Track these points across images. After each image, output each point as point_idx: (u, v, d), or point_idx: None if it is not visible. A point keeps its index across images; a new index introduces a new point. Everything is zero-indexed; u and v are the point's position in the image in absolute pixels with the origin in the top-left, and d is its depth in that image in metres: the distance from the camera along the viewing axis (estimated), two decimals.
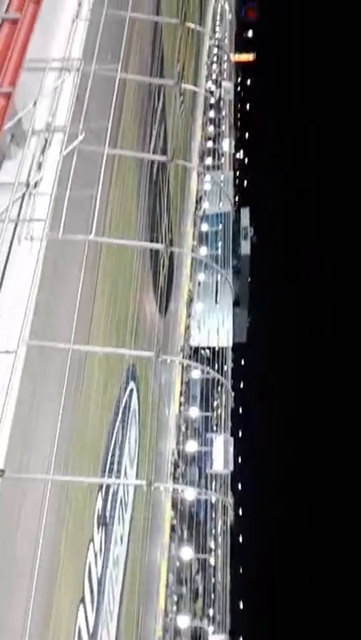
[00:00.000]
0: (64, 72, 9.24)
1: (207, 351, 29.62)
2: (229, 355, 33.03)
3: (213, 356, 30.21)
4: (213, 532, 24.76)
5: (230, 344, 31.28)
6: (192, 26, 16.89)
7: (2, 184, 7.46)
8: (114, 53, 11.79)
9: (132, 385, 15.72)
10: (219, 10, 28.08)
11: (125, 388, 14.97)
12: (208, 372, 19.88)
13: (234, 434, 26.57)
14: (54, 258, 8.35)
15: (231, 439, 22.96)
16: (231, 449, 22.53)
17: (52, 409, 8.65)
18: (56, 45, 9.95)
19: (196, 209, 28.64)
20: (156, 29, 16.22)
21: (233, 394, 31.04)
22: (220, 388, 25.05)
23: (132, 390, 15.69)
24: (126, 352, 11.14)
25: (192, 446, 22.72)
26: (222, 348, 28.55)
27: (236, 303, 39.48)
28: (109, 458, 12.95)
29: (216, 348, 29.25)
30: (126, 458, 14.16)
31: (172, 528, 22.04)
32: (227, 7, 28.52)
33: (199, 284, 28.71)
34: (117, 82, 11.07)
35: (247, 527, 46.14)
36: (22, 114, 7.96)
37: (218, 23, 28.49)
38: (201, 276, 28.50)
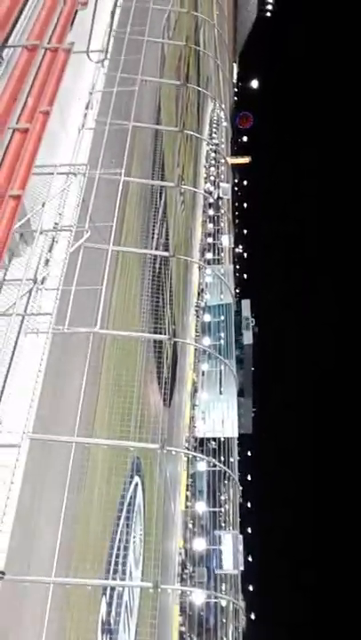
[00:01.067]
0: (71, 176, 9.80)
1: (213, 442, 29.06)
2: (235, 446, 32.34)
3: (219, 448, 29.57)
4: (224, 639, 23.10)
5: (236, 435, 30.73)
6: (190, 133, 18.01)
7: (10, 280, 7.72)
8: (117, 158, 12.55)
9: (136, 479, 15.31)
10: (215, 118, 30.07)
11: (130, 483, 14.57)
12: (214, 465, 19.40)
13: (243, 530, 25.43)
14: (59, 350, 8.47)
15: (240, 537, 21.95)
16: (241, 547, 21.48)
17: (54, 506, 8.39)
18: (63, 151, 10.64)
19: (198, 301, 29.21)
20: (156, 136, 17.33)
21: (241, 487, 30.00)
22: (227, 481, 24.30)
23: (136, 484, 15.26)
24: (130, 444, 10.95)
25: (200, 545, 21.68)
26: (228, 439, 28.02)
27: (240, 393, 39.23)
28: (114, 558, 12.37)
29: (222, 439, 28.70)
30: (131, 557, 13.51)
31: (181, 635, 20.59)
32: (222, 115, 30.56)
33: (203, 374, 28.68)
34: (121, 184, 11.71)
35: (260, 633, 43.08)
36: (31, 214, 8.37)
37: (215, 130, 30.41)
38: (205, 367, 28.52)
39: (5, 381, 6.83)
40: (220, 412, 29.64)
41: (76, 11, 11.66)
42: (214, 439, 28.93)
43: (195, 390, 27.99)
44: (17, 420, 7.04)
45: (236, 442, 33.83)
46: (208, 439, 27.80)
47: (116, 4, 13.44)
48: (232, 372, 28.06)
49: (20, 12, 8.28)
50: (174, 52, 19.16)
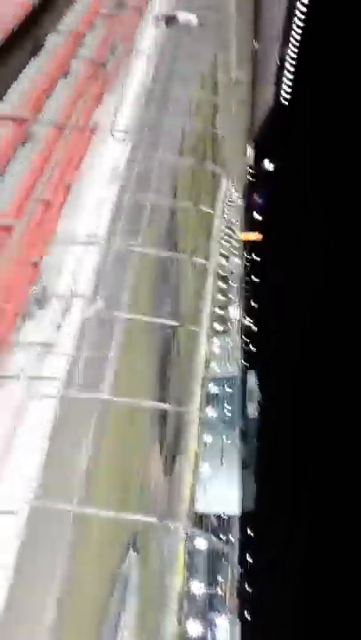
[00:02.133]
0: (88, 245, 10.15)
1: (213, 518, 28.22)
2: (236, 523, 31.35)
3: (219, 524, 28.69)
4: None
5: (237, 511, 29.89)
6: (205, 209, 18.67)
7: (22, 343, 7.84)
8: (133, 230, 13.00)
9: (132, 553, 14.82)
10: (229, 195, 31.19)
11: (126, 556, 14.10)
12: (213, 542, 18.80)
13: (240, 615, 24.25)
14: (65, 416, 8.47)
15: (238, 622, 20.93)
16: (238, 634, 20.43)
17: (46, 577, 8.15)
18: (83, 222, 11.05)
19: (204, 371, 29.22)
20: (172, 210, 17.97)
21: (240, 569, 28.88)
22: (225, 560, 23.45)
23: (132, 559, 14.75)
24: (129, 517, 10.72)
25: (194, 629, 20.66)
26: (229, 516, 27.24)
27: (243, 466, 38.49)
28: (105, 635, 11.82)
29: (222, 516, 27.89)
30: (124, 635, 12.89)
31: None
32: (236, 193, 31.67)
33: (206, 445, 28.27)
34: (135, 255, 12.09)
35: None
36: (47, 281, 8.62)
37: (228, 207, 31.45)
38: (208, 438, 28.15)
39: (8, 445, 6.82)
40: (221, 486, 28.99)
41: (103, 93, 12.47)
42: (214, 515, 28.13)
43: (197, 462, 27.52)
44: (16, 486, 6.97)
45: (238, 519, 32.81)
46: (208, 515, 27.05)
47: (141, 87, 14.27)
48: (235, 444, 27.68)
49: (51, 93, 8.86)
50: (193, 133, 20.19)
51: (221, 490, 27.82)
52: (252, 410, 46.72)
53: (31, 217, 7.64)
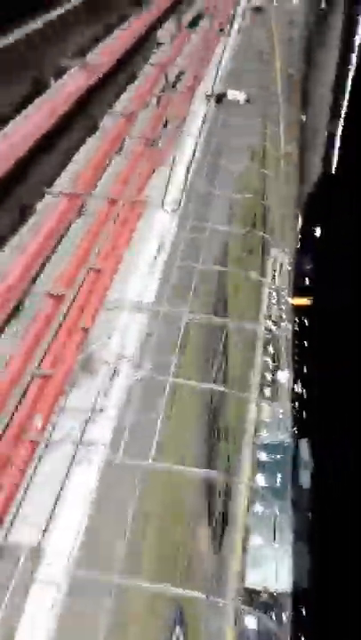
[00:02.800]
0: (137, 311, 10.37)
1: (264, 595, 26.76)
2: (289, 602, 29.61)
3: (271, 602, 27.17)
4: None
5: (290, 589, 28.28)
6: (254, 275, 18.85)
7: (69, 408, 7.96)
8: (183, 296, 13.21)
9: (178, 631, 14.12)
10: (278, 261, 31.42)
11: (171, 635, 13.45)
12: (264, 621, 17.72)
13: None
14: (110, 482, 8.41)
15: None
16: None
17: None
18: (133, 288, 11.33)
19: (254, 438, 28.52)
20: (221, 277, 18.22)
21: None
22: None
23: (178, 636, 14.04)
24: (174, 590, 10.31)
25: None
26: (280, 595, 25.76)
27: (296, 540, 36.69)
28: None
29: (274, 593, 26.44)
30: None
31: None
32: (285, 260, 31.94)
33: (256, 516, 27.17)
34: (184, 321, 12.23)
35: None
36: (96, 346, 8.81)
37: (277, 272, 31.62)
38: (258, 508, 27.06)
39: (53, 512, 6.80)
40: (272, 561, 27.63)
41: (155, 168, 13.06)
42: (266, 592, 26.70)
43: (246, 534, 26.41)
44: (58, 555, 6.89)
45: (290, 596, 31.00)
46: (259, 591, 25.70)
47: (191, 161, 14.85)
48: (287, 516, 26.56)
49: (105, 170, 9.35)
50: (242, 203, 20.69)
51: (273, 565, 26.49)
52: (305, 480, 45.03)
53: (82, 285, 7.91)
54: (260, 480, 29.16)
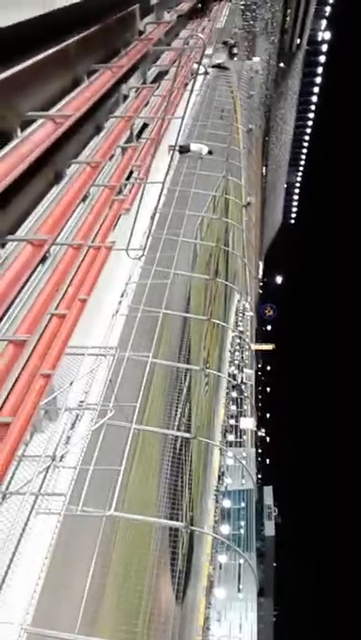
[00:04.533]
0: (100, 357, 10.30)
1: None
2: None
3: None
4: None
5: None
6: (217, 321, 19.04)
7: (29, 456, 7.76)
8: (146, 342, 13.22)
9: None
10: (241, 308, 31.89)
11: None
12: None
13: None
14: (69, 533, 8.16)
15: None
16: None
17: None
18: (96, 334, 11.30)
19: (218, 485, 28.20)
20: (185, 324, 18.37)
21: None
22: None
23: None
24: None
25: None
26: None
27: (260, 592, 35.92)
28: None
29: None
30: None
31: None
32: (247, 306, 32.37)
33: (220, 567, 26.58)
34: (148, 366, 12.20)
35: None
36: (58, 393, 8.69)
37: (240, 319, 32.05)
38: (222, 558, 26.52)
39: (10, 566, 6.54)
40: (237, 614, 26.90)
41: (120, 215, 13.26)
42: None
43: (211, 586, 25.74)
44: (14, 610, 6.59)
45: None
46: None
47: (155, 210, 15.12)
48: (251, 567, 26.09)
49: (69, 217, 9.43)
50: (205, 251, 21.11)
51: (238, 619, 25.81)
52: (270, 528, 44.30)
53: (45, 331, 7.86)
54: (224, 529, 28.68)
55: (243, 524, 31.64)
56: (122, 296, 13.18)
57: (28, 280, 7.71)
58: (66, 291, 8.81)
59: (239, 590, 28.25)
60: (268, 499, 44.66)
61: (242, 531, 31.13)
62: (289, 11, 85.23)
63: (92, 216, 10.11)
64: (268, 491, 45.51)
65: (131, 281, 13.77)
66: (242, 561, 26.65)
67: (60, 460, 8.20)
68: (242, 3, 51.97)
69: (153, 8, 18.30)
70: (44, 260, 8.50)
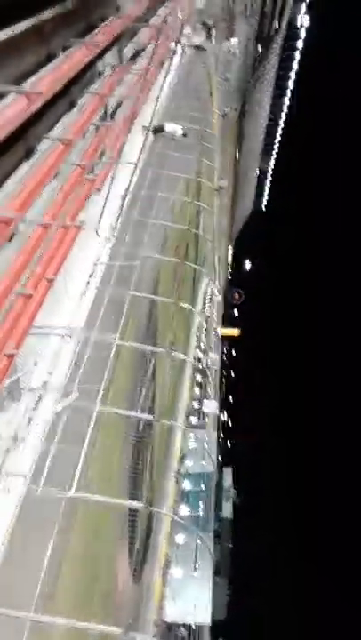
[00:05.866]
0: (65, 338, 10.22)
1: (183, 630, 26.46)
2: (207, 635, 29.38)
3: (189, 636, 26.88)
4: None
5: (208, 621, 28.08)
6: (184, 305, 19.09)
7: None
8: (113, 324, 13.19)
9: None
10: (209, 292, 32.00)
11: None
12: None
13: None
14: (30, 514, 8.16)
15: None
16: None
17: None
18: (62, 314, 11.20)
19: (178, 467, 28.51)
20: (152, 306, 18.36)
21: None
22: None
23: None
24: (92, 626, 10.04)
25: None
26: (199, 627, 25.54)
27: (216, 572, 36.59)
28: None
29: (193, 626, 26.18)
30: None
31: None
32: (215, 291, 32.51)
33: (178, 547, 26.96)
34: (114, 348, 12.19)
35: None
36: (21, 373, 8.60)
37: (208, 303, 32.18)
38: (180, 538, 26.88)
39: None
40: (192, 593, 27.37)
41: (91, 194, 13.08)
42: (184, 625, 26.38)
43: (167, 566, 26.11)
44: None
45: (209, 629, 30.85)
46: (178, 625, 25.37)
47: (127, 191, 14.99)
48: (208, 547, 26.53)
49: (39, 195, 9.27)
50: (176, 233, 21.05)
51: (192, 598, 26.25)
52: (228, 510, 44.99)
53: (10, 310, 7.75)
54: (183, 510, 29.06)
55: (202, 505, 32.05)
56: (90, 277, 13.07)
57: None
58: (33, 270, 8.68)
59: (195, 569, 28.70)
60: (228, 480, 45.28)
61: (200, 512, 31.54)
62: None
63: (62, 195, 9.94)
64: (228, 472, 46.13)
65: (99, 262, 13.66)
66: (199, 541, 27.06)
67: (22, 441, 8.15)
68: None
69: None
70: (11, 237, 8.35)
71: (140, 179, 16.71)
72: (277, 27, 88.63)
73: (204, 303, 31.95)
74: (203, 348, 30.30)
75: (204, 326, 30.65)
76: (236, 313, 69.56)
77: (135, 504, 13.93)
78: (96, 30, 12.57)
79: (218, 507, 40.83)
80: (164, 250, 19.92)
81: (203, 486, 31.84)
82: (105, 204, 12.27)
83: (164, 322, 19.54)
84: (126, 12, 15.83)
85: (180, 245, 21.53)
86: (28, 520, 8.35)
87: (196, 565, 28.20)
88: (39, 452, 8.09)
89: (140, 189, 16.64)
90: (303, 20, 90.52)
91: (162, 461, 24.07)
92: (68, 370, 9.86)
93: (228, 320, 61.84)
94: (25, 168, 9.04)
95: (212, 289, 31.97)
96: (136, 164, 12.17)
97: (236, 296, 67.62)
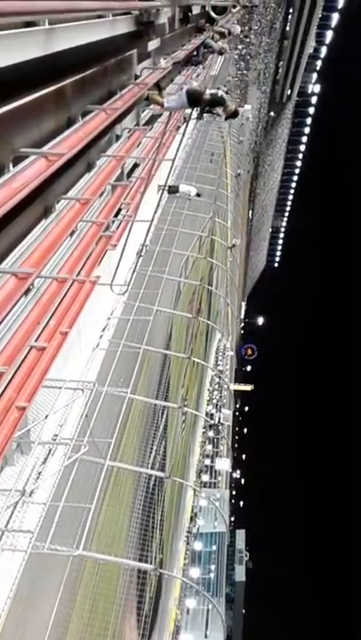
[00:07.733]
0: (77, 391, 10.25)
1: None
2: None
3: None
4: None
5: None
6: (197, 360, 19.10)
7: None
8: (125, 378, 13.21)
9: None
10: (222, 347, 32.01)
11: None
12: None
13: None
14: (35, 571, 7.99)
15: None
16: None
17: None
18: (75, 368, 11.27)
19: (189, 526, 27.75)
20: (165, 360, 18.38)
21: None
22: None
23: None
24: None
25: None
26: None
27: (228, 638, 34.94)
28: None
29: None
30: None
31: None
32: (228, 346, 32.50)
33: (188, 612, 25.91)
34: (125, 402, 12.16)
35: None
36: (32, 425, 8.60)
37: (220, 359, 32.13)
38: (190, 603, 25.87)
39: None
40: None
41: (106, 250, 13.39)
42: None
43: (177, 631, 25.03)
44: None
45: None
46: None
47: (142, 247, 15.33)
48: (220, 613, 25.50)
49: (55, 251, 9.52)
50: (189, 289, 21.33)
51: None
52: (240, 574, 43.30)
53: (23, 363, 7.83)
54: (194, 572, 28.09)
55: (213, 567, 31.04)
56: (103, 330, 13.21)
57: (9, 312, 7.72)
58: (47, 323, 8.81)
59: (206, 636, 27.54)
60: (241, 542, 43.88)
61: (212, 575, 30.52)
62: (281, 62, 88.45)
63: (78, 251, 10.19)
64: (241, 534, 44.75)
65: (113, 316, 13.84)
66: (210, 607, 26.06)
67: (30, 496, 8.06)
68: (236, 53, 53.86)
69: (150, 54, 18.88)
70: (27, 292, 8.53)
71: (154, 236, 17.12)
72: (289, 93, 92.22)
73: (217, 358, 31.93)
74: (215, 403, 30.05)
75: (217, 382, 30.50)
76: (248, 368, 69.22)
77: (144, 565, 13.53)
78: (115, 97, 13.20)
79: (230, 569, 39.41)
80: (177, 305, 20.14)
81: (214, 547, 30.90)
82: (120, 259, 12.53)
83: (177, 377, 19.52)
84: (144, 79, 16.63)
85: (193, 301, 21.76)
86: (33, 578, 8.16)
87: (208, 632, 27.06)
88: (47, 507, 7.98)
89: (154, 246, 17.02)
90: (314, 88, 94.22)
91: (172, 519, 23.47)
92: (78, 423, 9.84)
93: (240, 375, 61.50)
94: (43, 225, 9.33)
95: (224, 344, 32.00)
96: (151, 221, 12.48)
97: (249, 351, 67.49)
